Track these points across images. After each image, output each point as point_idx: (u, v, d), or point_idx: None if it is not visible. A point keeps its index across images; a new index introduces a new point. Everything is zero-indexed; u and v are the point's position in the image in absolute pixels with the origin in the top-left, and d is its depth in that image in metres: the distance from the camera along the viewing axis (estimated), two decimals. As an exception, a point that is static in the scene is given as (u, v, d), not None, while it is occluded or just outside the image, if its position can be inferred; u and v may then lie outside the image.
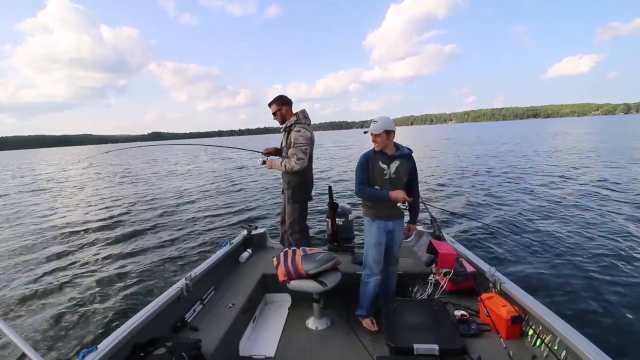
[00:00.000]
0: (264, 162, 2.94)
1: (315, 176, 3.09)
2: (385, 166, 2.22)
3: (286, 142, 2.83)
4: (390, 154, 2.24)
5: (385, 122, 2.16)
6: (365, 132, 2.28)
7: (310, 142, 2.78)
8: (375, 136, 2.19)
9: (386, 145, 2.22)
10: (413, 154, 2.33)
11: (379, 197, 2.20)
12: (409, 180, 2.33)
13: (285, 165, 2.73)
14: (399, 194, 2.13)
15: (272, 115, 2.90)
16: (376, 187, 2.24)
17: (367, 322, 2.40)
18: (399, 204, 2.20)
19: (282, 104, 2.84)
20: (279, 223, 3.29)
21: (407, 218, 2.45)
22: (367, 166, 2.24)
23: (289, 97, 2.90)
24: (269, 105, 2.91)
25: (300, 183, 2.85)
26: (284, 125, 2.85)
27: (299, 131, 2.71)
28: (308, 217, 3.05)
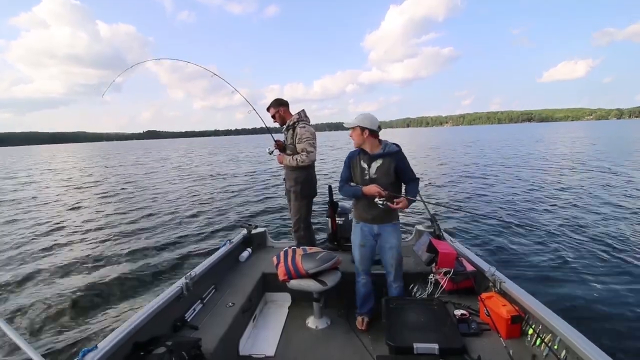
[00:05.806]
0: (271, 152, 3.02)
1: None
2: (365, 166, 2.16)
3: (291, 139, 2.87)
4: (372, 153, 2.14)
5: (362, 119, 2.09)
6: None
7: (315, 137, 2.85)
8: (351, 131, 2.16)
9: (363, 143, 2.14)
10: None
11: (354, 193, 2.19)
12: (400, 179, 2.17)
13: (297, 159, 2.79)
14: (371, 188, 2.06)
15: (272, 118, 2.97)
16: (352, 184, 2.23)
17: (358, 320, 2.43)
18: (375, 200, 2.05)
19: (278, 105, 2.93)
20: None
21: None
22: (349, 165, 2.24)
23: (286, 98, 3.04)
24: (267, 109, 2.98)
25: (307, 178, 2.91)
26: (285, 125, 2.92)
27: (304, 127, 2.80)
28: None
